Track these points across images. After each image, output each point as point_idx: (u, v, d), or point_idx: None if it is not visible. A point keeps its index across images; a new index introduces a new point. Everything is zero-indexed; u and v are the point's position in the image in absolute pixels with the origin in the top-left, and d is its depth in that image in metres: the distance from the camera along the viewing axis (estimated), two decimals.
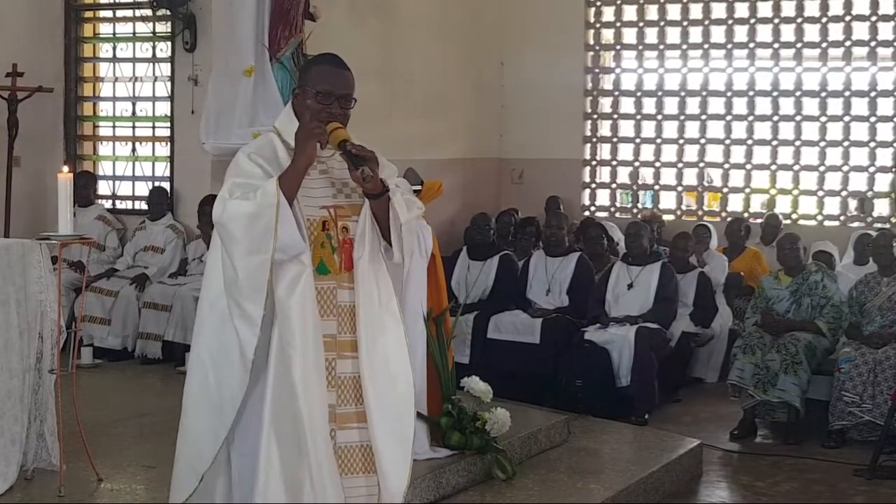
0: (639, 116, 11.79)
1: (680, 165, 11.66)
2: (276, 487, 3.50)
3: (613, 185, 11.98)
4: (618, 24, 11.82)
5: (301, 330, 3.53)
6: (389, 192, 3.65)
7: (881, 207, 10.80)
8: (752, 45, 11.16)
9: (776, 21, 11.01)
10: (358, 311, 3.64)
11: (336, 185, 3.70)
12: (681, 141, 11.61)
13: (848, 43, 10.72)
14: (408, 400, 3.72)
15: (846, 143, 10.78)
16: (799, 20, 10.90)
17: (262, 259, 3.48)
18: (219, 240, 3.62)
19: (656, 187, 11.81)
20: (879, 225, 10.27)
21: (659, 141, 11.71)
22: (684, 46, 11.49)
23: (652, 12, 11.64)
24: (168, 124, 9.08)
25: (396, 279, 3.79)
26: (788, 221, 10.71)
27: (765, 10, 11.06)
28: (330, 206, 3.66)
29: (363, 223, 3.67)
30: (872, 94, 10.64)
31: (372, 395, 3.63)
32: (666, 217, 11.23)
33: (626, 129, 11.86)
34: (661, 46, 11.61)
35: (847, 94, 10.74)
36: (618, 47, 11.88)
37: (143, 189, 9.29)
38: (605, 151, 12.02)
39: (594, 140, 12.02)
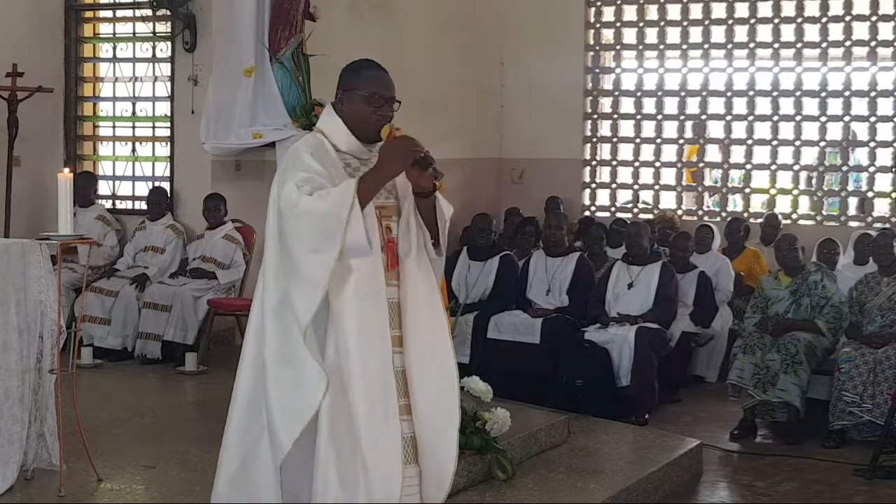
0: (639, 116, 11.79)
1: (679, 165, 11.67)
2: (333, 490, 3.57)
3: (613, 185, 11.99)
4: (618, 24, 11.82)
5: (356, 330, 3.61)
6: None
7: (881, 207, 10.81)
8: (752, 45, 11.16)
9: (776, 21, 11.01)
10: (404, 306, 3.76)
11: None
12: (681, 141, 11.62)
13: (848, 43, 10.72)
14: (453, 393, 3.83)
15: (845, 143, 10.79)
16: (799, 20, 10.90)
17: (324, 258, 3.53)
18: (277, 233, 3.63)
19: (656, 187, 11.81)
20: (879, 225, 10.27)
21: (659, 141, 11.72)
22: (684, 46, 11.49)
23: (652, 12, 11.64)
24: (168, 124, 9.09)
25: (437, 275, 3.91)
26: (788, 221, 10.71)
27: (765, 10, 11.06)
28: (376, 206, 3.73)
29: (406, 222, 3.79)
30: (872, 94, 10.64)
31: (419, 388, 3.75)
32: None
33: (626, 129, 11.87)
34: (661, 46, 11.61)
35: (847, 94, 10.75)
36: (618, 47, 11.88)
37: (143, 189, 9.29)
38: (605, 151, 12.02)
39: (594, 140, 12.02)
